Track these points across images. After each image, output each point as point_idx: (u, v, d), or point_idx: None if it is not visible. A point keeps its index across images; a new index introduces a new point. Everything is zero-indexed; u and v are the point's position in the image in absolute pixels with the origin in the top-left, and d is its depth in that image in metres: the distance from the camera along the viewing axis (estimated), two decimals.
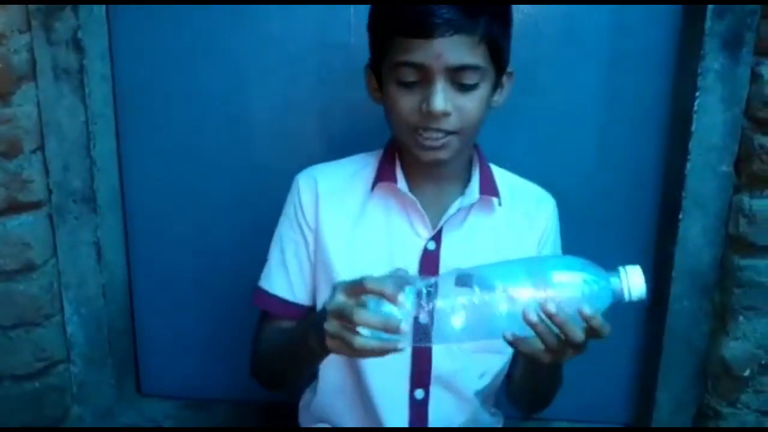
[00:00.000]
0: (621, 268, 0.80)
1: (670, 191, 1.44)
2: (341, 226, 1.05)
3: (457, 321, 0.77)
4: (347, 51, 1.40)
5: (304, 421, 1.18)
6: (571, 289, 0.78)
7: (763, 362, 1.39)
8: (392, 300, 0.77)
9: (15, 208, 1.37)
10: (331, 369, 1.08)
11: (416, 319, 0.77)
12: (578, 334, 0.79)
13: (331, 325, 0.81)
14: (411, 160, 1.02)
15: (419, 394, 1.05)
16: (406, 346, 0.79)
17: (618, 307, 0.81)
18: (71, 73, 1.38)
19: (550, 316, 0.77)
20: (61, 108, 1.40)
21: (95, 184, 1.46)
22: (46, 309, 1.46)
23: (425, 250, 1.03)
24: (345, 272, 1.02)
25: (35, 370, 1.47)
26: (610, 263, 1.53)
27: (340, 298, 0.81)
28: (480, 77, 0.93)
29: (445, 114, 0.92)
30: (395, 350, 0.78)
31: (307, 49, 1.45)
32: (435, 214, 1.04)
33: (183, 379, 1.66)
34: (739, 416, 1.43)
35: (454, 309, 0.77)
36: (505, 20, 0.96)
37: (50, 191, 1.43)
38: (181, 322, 1.61)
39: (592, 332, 0.80)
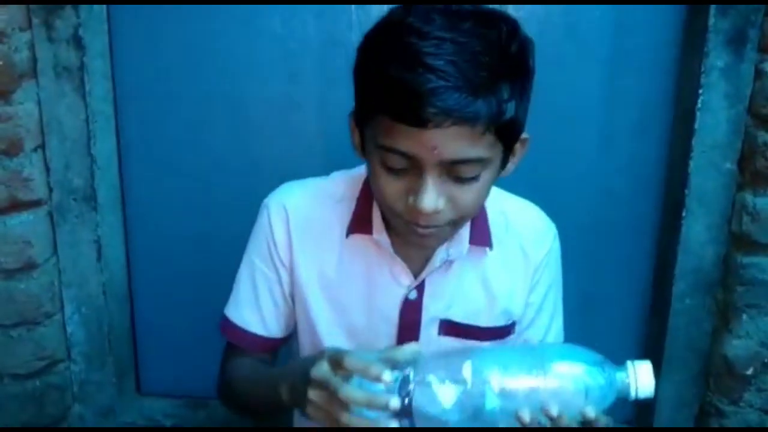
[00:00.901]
0: (629, 363, 0.73)
1: (673, 189, 1.44)
2: (317, 268, 0.96)
3: (445, 407, 0.71)
4: (348, 49, 1.38)
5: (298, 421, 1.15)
6: (573, 384, 0.72)
7: (766, 361, 1.39)
8: (375, 380, 0.70)
9: (16, 206, 1.38)
10: None
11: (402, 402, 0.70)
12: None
13: (315, 395, 0.74)
14: None
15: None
16: (395, 424, 0.72)
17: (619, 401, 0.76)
18: (72, 71, 1.38)
19: (552, 420, 0.70)
20: (61, 106, 1.40)
21: (95, 182, 1.46)
22: (47, 308, 1.47)
23: (405, 299, 0.95)
24: (323, 316, 0.97)
25: (36, 369, 1.48)
26: (613, 263, 1.54)
27: (325, 368, 0.73)
28: (482, 168, 0.78)
29: (435, 212, 0.78)
30: (386, 408, 0.70)
31: (307, 47, 1.45)
32: (417, 261, 0.94)
33: (183, 377, 1.66)
34: (741, 414, 1.43)
35: (442, 398, 0.71)
36: (522, 86, 0.78)
37: (51, 189, 1.43)
38: (180, 320, 1.61)
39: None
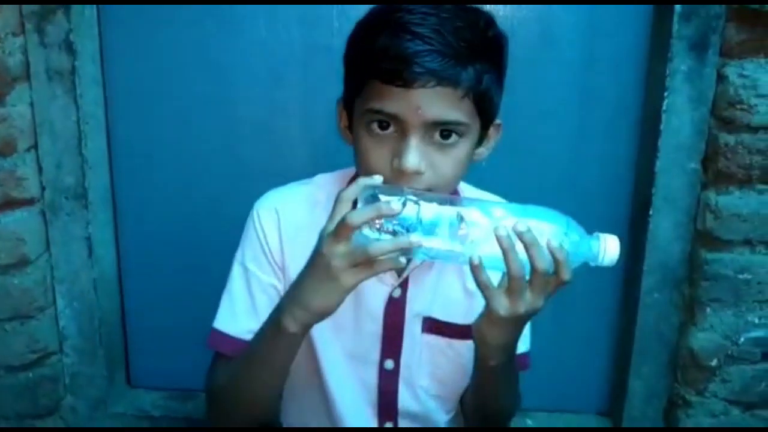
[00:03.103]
0: (600, 234, 0.81)
1: (641, 188, 1.48)
2: None
3: (437, 239, 0.76)
4: (331, 53, 1.42)
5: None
6: (551, 234, 0.78)
7: (729, 352, 1.44)
8: (392, 213, 0.73)
9: (9, 204, 1.41)
10: (302, 407, 1.06)
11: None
12: (544, 260, 0.75)
13: (338, 255, 0.75)
14: None
15: (388, 425, 1.04)
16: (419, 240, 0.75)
17: (587, 269, 0.82)
18: (64, 74, 1.41)
19: (519, 235, 0.74)
20: (54, 108, 1.43)
21: (87, 181, 1.49)
22: (40, 302, 1.50)
23: (390, 297, 0.98)
24: None
25: (29, 361, 1.51)
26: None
27: (339, 248, 0.75)
28: (461, 134, 0.84)
29: (418, 173, 0.82)
30: (411, 245, 0.74)
31: (291, 51, 1.48)
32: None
33: (172, 370, 1.69)
34: (706, 405, 1.48)
35: (438, 223, 0.77)
36: (497, 69, 0.86)
37: (43, 188, 1.46)
38: (170, 315, 1.64)
39: (556, 276, 0.77)
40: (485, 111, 0.86)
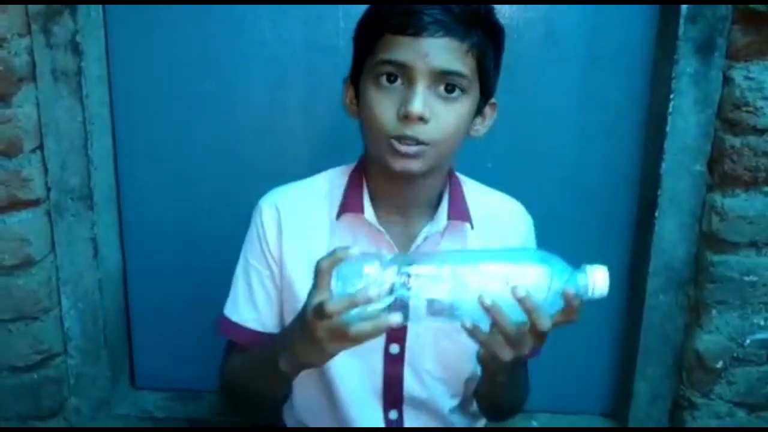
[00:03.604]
0: (587, 266, 0.81)
1: (646, 190, 1.48)
2: (307, 257, 0.95)
3: (425, 300, 0.79)
4: (336, 54, 1.44)
5: (288, 421, 1.18)
6: (539, 280, 0.79)
7: (734, 355, 1.44)
8: (368, 301, 0.75)
9: (15, 205, 1.41)
10: (307, 394, 1.08)
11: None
12: (546, 321, 0.78)
13: (321, 329, 0.77)
14: (380, 181, 0.98)
15: (393, 415, 1.05)
16: (399, 320, 0.77)
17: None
18: (69, 75, 1.41)
19: (520, 300, 0.76)
20: (59, 109, 1.43)
21: (92, 182, 1.48)
22: (45, 303, 1.49)
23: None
24: None
25: (33, 362, 1.51)
26: (588, 260, 1.58)
27: (322, 324, 0.77)
28: (464, 88, 0.89)
29: (423, 119, 0.87)
30: (390, 326, 0.76)
31: (296, 51, 1.48)
32: (404, 243, 1.00)
33: (175, 371, 1.69)
34: (712, 407, 1.48)
35: (423, 290, 0.79)
36: (497, 43, 0.93)
37: (49, 189, 1.46)
38: (173, 316, 1.64)
39: (566, 315, 0.79)
40: (485, 76, 0.92)
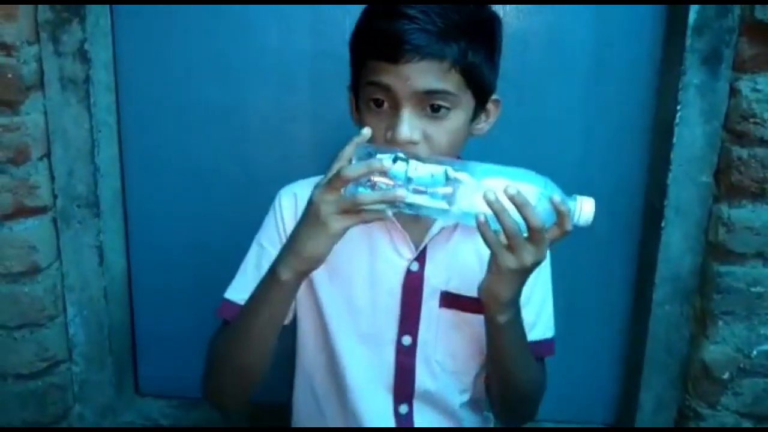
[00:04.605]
0: (577, 195, 0.85)
1: (652, 200, 1.48)
2: None
3: (425, 196, 0.82)
4: (343, 61, 1.43)
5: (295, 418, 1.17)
6: (531, 190, 0.82)
7: (741, 365, 1.43)
8: (383, 170, 0.80)
9: (22, 212, 1.41)
10: (317, 387, 1.07)
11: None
12: (537, 218, 0.80)
13: (327, 202, 0.81)
14: None
15: (403, 409, 1.05)
16: (404, 198, 0.81)
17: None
18: (77, 83, 1.42)
19: (511, 198, 0.79)
20: (67, 116, 1.43)
21: (98, 189, 1.49)
22: (50, 310, 1.49)
23: (408, 271, 1.01)
24: (325, 291, 1.02)
25: (38, 370, 1.51)
26: (595, 271, 1.57)
27: (328, 196, 0.82)
28: (451, 104, 0.90)
29: (412, 143, 0.88)
30: (395, 198, 0.80)
31: (303, 58, 1.49)
32: (419, 233, 1.01)
33: (180, 379, 1.67)
34: (718, 418, 1.47)
35: (426, 180, 0.82)
36: (486, 47, 0.93)
37: (55, 196, 1.46)
38: (179, 324, 1.64)
39: (559, 227, 0.82)
40: (476, 84, 0.92)
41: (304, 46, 1.49)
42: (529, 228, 0.81)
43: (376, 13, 0.92)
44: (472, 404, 1.11)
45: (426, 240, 1.01)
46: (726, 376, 1.45)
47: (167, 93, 1.52)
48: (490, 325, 0.94)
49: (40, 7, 1.36)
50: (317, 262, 0.87)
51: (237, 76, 1.50)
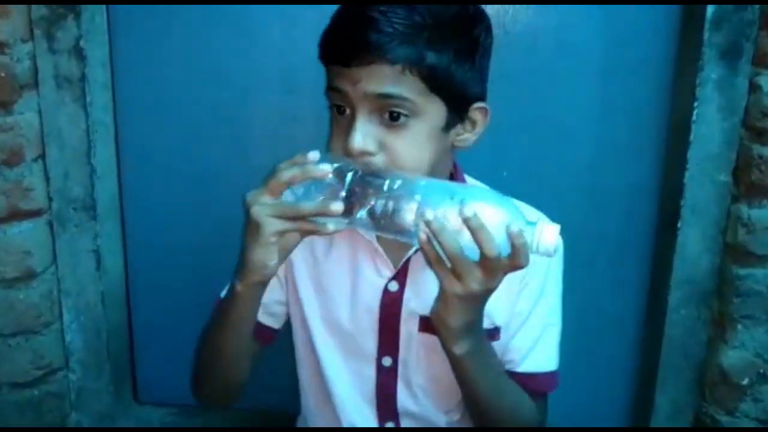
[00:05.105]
0: (540, 221, 0.78)
1: (668, 200, 1.44)
2: (310, 258, 1.01)
3: (367, 210, 0.79)
4: None
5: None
6: (490, 216, 0.76)
7: (761, 371, 1.40)
8: (322, 176, 0.79)
9: (16, 215, 1.38)
10: (311, 399, 1.08)
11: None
12: (492, 244, 0.74)
13: (260, 203, 0.81)
14: None
15: (390, 425, 1.04)
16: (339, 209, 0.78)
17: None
18: (73, 81, 1.39)
19: (465, 220, 0.74)
20: (62, 116, 1.40)
21: (95, 192, 1.46)
22: (46, 316, 1.46)
23: (386, 290, 0.97)
24: (310, 307, 1.01)
25: (34, 378, 1.48)
26: (608, 273, 1.54)
27: (262, 198, 0.81)
28: (411, 112, 0.84)
29: (366, 153, 0.84)
30: (327, 212, 0.78)
31: (306, 58, 1.44)
32: (400, 251, 0.96)
33: (180, 386, 1.64)
34: (737, 424, 1.43)
35: (367, 199, 0.79)
36: (457, 48, 0.85)
37: (51, 199, 1.43)
38: (178, 329, 1.57)
39: (513, 258, 0.76)
40: (445, 90, 0.85)
41: (308, 44, 1.44)
42: (482, 254, 0.76)
43: (339, 17, 0.89)
44: (464, 423, 1.07)
45: (404, 258, 0.96)
46: (745, 381, 1.41)
47: (166, 92, 1.49)
48: (448, 356, 0.89)
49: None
50: (265, 269, 0.84)
51: (237, 74, 1.47)
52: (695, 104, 1.32)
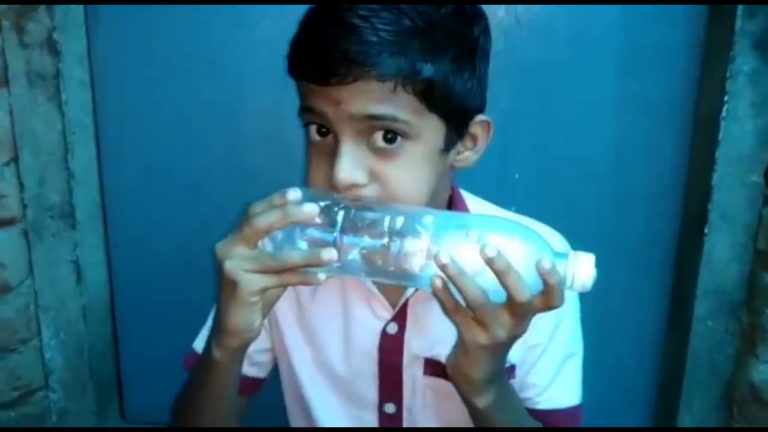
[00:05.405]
0: (571, 252, 0.69)
1: (694, 203, 1.39)
2: (295, 300, 0.93)
3: (365, 259, 0.69)
4: None
5: None
6: (520, 253, 0.67)
7: None
8: (309, 219, 0.67)
9: None
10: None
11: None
12: (524, 288, 0.65)
13: (234, 256, 0.70)
14: None
15: None
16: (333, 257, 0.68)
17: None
18: (46, 78, 1.34)
19: (489, 262, 0.64)
20: (36, 116, 1.34)
21: (74, 198, 1.43)
22: (22, 333, 1.40)
23: (384, 333, 0.89)
24: (298, 353, 0.93)
25: (10, 399, 1.41)
26: (629, 282, 1.48)
27: (235, 250, 0.70)
28: (406, 135, 0.72)
29: (356, 185, 0.73)
30: (321, 263, 0.67)
31: None
32: (398, 290, 0.88)
33: (169, 404, 1.60)
34: None
35: (365, 246, 0.69)
36: (456, 56, 0.73)
37: (25, 206, 1.37)
38: (166, 345, 1.52)
39: (545, 297, 0.66)
40: (443, 106, 0.74)
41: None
42: (510, 298, 0.66)
43: (311, 23, 0.74)
44: None
45: (402, 299, 0.87)
46: None
47: (150, 90, 1.44)
48: (469, 408, 0.80)
49: None
50: (246, 333, 0.74)
51: (228, 70, 1.42)
52: (725, 99, 1.27)
